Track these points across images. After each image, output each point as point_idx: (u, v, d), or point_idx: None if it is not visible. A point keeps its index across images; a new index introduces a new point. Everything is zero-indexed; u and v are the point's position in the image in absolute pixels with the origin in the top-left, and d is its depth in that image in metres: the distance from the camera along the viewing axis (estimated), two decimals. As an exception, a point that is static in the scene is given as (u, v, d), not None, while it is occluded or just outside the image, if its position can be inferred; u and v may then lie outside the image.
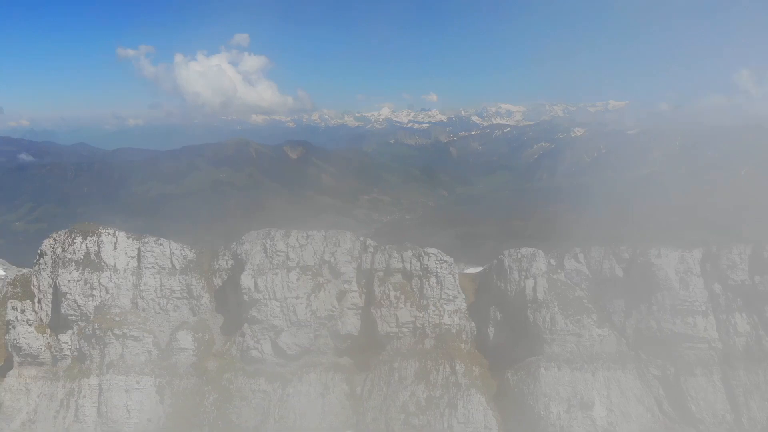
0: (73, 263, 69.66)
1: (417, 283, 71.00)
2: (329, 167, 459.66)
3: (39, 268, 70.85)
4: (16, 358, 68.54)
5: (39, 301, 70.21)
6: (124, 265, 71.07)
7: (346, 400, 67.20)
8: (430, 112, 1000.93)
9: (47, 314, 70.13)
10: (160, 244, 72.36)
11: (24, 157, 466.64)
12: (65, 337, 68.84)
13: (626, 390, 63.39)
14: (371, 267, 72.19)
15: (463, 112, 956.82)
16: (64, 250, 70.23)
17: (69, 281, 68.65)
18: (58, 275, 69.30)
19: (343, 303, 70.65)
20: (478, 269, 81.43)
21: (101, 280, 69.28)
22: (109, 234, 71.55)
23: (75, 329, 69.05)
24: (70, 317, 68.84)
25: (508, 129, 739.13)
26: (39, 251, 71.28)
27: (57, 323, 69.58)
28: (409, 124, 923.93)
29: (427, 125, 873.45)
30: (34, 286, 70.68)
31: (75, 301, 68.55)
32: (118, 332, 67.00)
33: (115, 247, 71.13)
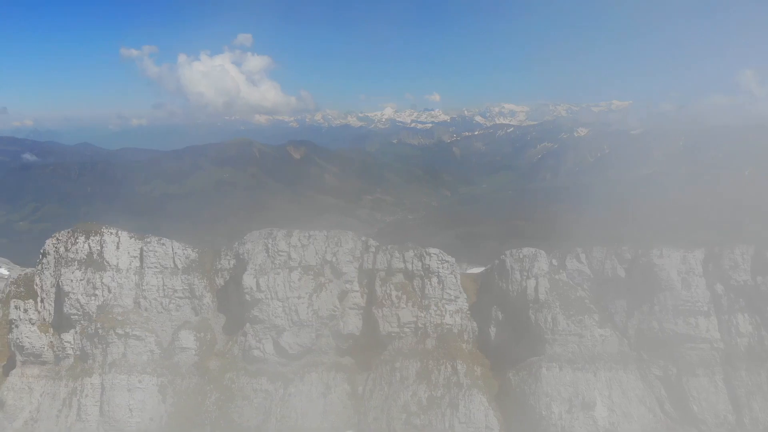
0: (76, 263, 69.93)
1: (419, 283, 71.06)
2: (332, 167, 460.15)
3: (42, 268, 71.14)
4: (18, 357, 68.78)
5: (42, 301, 70.51)
6: (126, 264, 71.30)
7: (348, 399, 67.27)
8: (433, 112, 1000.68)
9: (50, 313, 70.40)
10: (163, 244, 72.57)
11: (28, 156, 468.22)
12: (68, 337, 69.04)
13: (628, 390, 63.31)
14: (373, 267, 72.28)
15: (466, 112, 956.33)
16: (66, 250, 70.50)
17: (72, 281, 68.90)
18: (60, 275, 69.58)
19: (344, 303, 70.74)
20: (481, 269, 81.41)
21: (104, 280, 69.52)
22: (111, 234, 71.81)
23: (78, 328, 69.25)
24: (72, 316, 69.08)
25: (511, 129, 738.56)
26: (42, 251, 71.59)
27: (60, 322, 69.84)
28: (412, 124, 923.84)
29: (430, 125, 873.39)
30: (37, 285, 70.97)
31: (78, 300, 68.78)
32: (120, 332, 67.20)
33: (117, 247, 71.38)
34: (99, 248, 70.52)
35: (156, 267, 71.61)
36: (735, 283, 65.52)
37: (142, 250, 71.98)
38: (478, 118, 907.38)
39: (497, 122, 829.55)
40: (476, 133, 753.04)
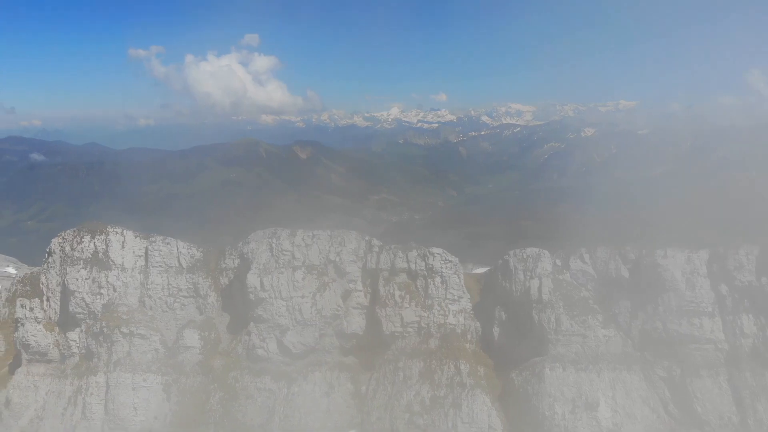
0: (82, 262, 70.37)
1: (422, 282, 71.12)
2: (338, 167, 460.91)
3: (48, 267, 71.62)
4: (24, 356, 69.25)
5: (47, 299, 70.98)
6: (131, 263, 71.69)
7: (351, 399, 67.41)
8: (439, 112, 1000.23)
9: (56, 312, 70.88)
10: (168, 243, 72.91)
11: (36, 156, 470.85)
12: (73, 335, 69.50)
13: (631, 391, 63.11)
14: (376, 266, 72.37)
15: (472, 112, 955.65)
16: (72, 249, 70.95)
17: (77, 279, 69.33)
18: (66, 273, 70.02)
19: (348, 302, 70.86)
20: (487, 270, 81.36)
21: (109, 279, 69.93)
22: (117, 233, 72.23)
23: (83, 327, 69.71)
24: (78, 315, 69.53)
25: (518, 129, 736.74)
26: (48, 250, 72.06)
27: (65, 321, 70.30)
28: (419, 124, 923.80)
29: (436, 125, 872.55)
30: (42, 284, 71.47)
31: (83, 299, 69.22)
32: (125, 330, 67.57)
33: (122, 246, 71.78)
34: (104, 247, 70.94)
35: (161, 266, 71.97)
36: (740, 284, 65.13)
37: (147, 249, 72.34)
38: (485, 118, 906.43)
39: (504, 122, 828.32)
40: (483, 133, 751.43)
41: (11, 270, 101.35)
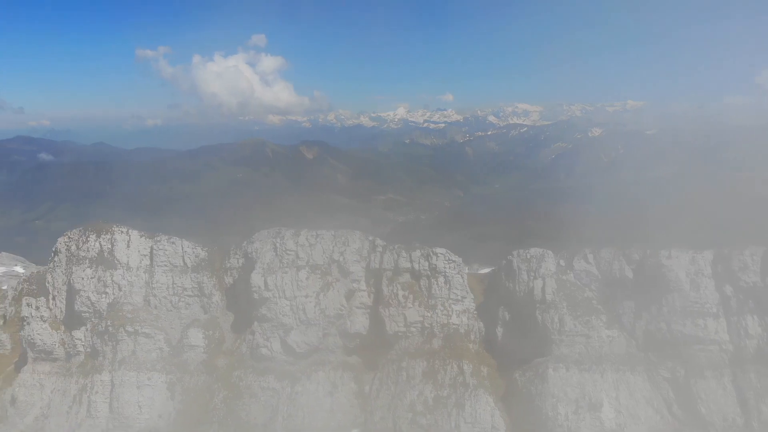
0: (87, 261, 70.87)
1: (425, 282, 71.16)
2: (345, 167, 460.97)
3: (53, 266, 72.19)
4: (30, 354, 69.83)
5: (53, 298, 71.54)
6: (136, 263, 72.15)
7: (354, 398, 67.55)
8: (445, 112, 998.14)
9: (61, 311, 71.42)
10: (173, 243, 73.31)
11: (44, 156, 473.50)
12: (78, 334, 70.01)
13: (635, 392, 62.92)
14: (380, 266, 72.48)
15: (479, 112, 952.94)
16: (78, 248, 71.46)
17: (83, 278, 69.84)
18: (72, 272, 70.56)
19: (351, 302, 71.01)
20: (491, 269, 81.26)
21: (114, 278, 70.40)
22: (122, 232, 72.70)
23: (88, 326, 70.20)
24: (83, 314, 70.03)
25: (524, 129, 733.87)
26: (54, 249, 72.71)
27: (71, 320, 70.84)
28: (425, 124, 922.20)
29: (442, 125, 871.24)
30: (48, 283, 72.03)
31: (88, 298, 69.71)
32: (130, 329, 68.01)
33: (128, 245, 72.25)
34: (110, 246, 71.41)
35: (166, 265, 72.37)
36: (744, 285, 64.84)
37: (152, 248, 72.80)
38: (492, 118, 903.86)
39: (510, 122, 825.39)
40: (489, 133, 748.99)
41: (19, 269, 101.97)
